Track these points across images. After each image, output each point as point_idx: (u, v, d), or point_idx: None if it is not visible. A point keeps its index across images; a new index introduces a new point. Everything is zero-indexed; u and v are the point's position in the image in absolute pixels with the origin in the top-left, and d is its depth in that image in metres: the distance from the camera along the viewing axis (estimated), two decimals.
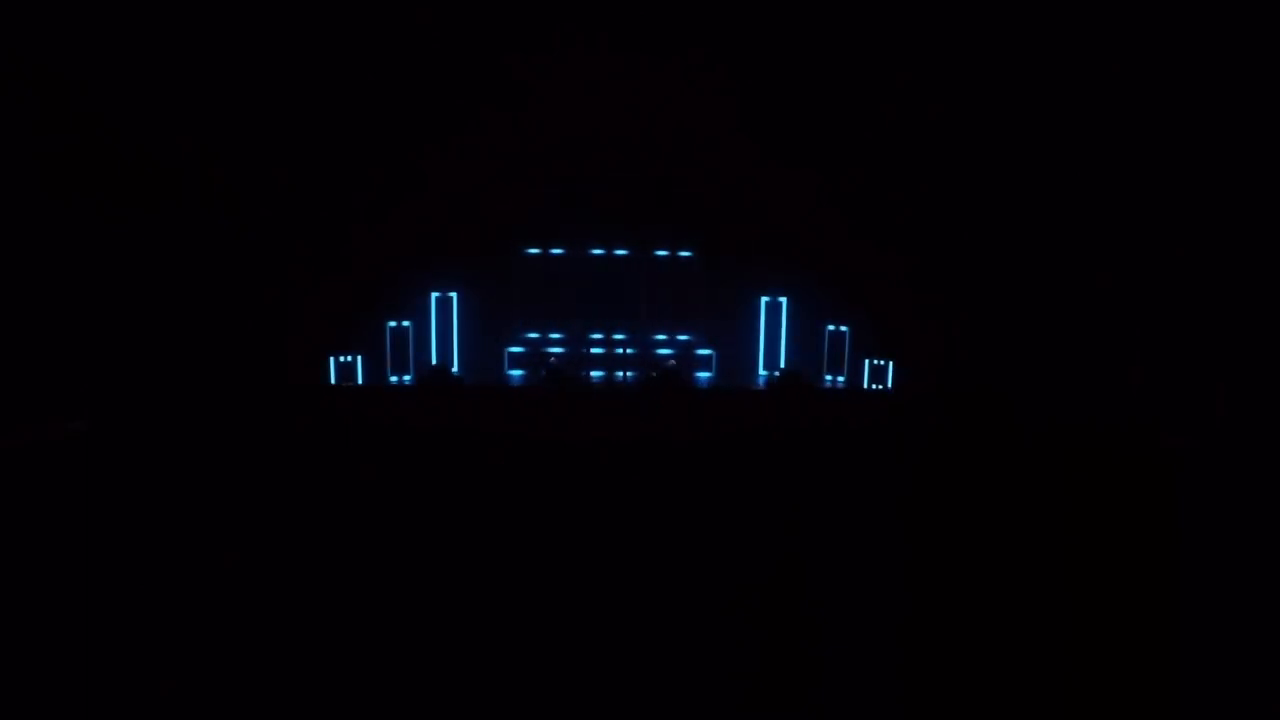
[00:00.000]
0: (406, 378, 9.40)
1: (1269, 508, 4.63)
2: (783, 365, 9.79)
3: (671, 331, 10.10)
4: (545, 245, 10.02)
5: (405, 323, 9.44)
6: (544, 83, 8.97)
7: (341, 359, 9.08)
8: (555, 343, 9.94)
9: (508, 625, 3.70)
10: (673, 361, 9.67)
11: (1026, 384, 8.23)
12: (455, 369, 9.68)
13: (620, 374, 9.77)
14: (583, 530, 4.91)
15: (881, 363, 9.34)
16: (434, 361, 9.61)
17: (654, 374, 9.26)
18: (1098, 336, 8.16)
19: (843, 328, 9.66)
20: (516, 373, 9.86)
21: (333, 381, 8.99)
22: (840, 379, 9.67)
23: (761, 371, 9.96)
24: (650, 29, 8.36)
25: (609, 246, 10.05)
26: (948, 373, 8.88)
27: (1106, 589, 2.39)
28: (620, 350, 9.93)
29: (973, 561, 2.55)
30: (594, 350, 9.90)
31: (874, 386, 9.34)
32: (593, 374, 9.68)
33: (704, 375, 9.93)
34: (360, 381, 9.13)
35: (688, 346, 10.04)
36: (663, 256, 10.08)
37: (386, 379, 9.30)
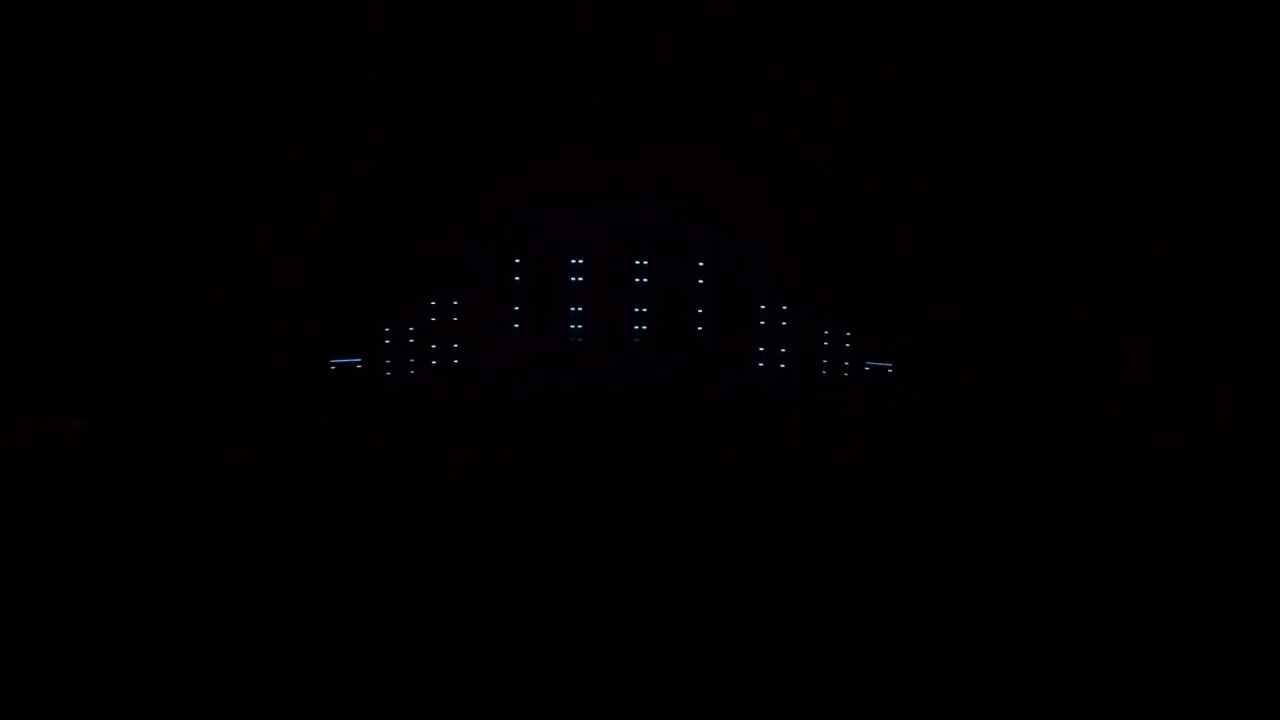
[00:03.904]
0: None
1: (1269, 508, 4.64)
2: (783, 365, 9.78)
3: (672, 328, 10.10)
4: (545, 244, 10.01)
5: (405, 323, 9.46)
6: (543, 80, 8.96)
7: (341, 359, 9.08)
8: (555, 341, 9.94)
9: (508, 625, 3.70)
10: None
11: (1026, 383, 8.23)
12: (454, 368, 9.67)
13: (619, 373, 9.77)
14: (583, 530, 4.91)
15: (881, 363, 9.34)
16: (433, 361, 9.61)
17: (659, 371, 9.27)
18: (1098, 336, 8.15)
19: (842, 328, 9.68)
20: (515, 372, 9.86)
21: (332, 381, 8.99)
22: (841, 379, 9.67)
23: (761, 368, 9.97)
24: (650, 25, 8.35)
25: (609, 244, 10.04)
26: (948, 373, 8.88)
27: (1106, 589, 2.39)
28: (620, 349, 9.92)
29: (972, 561, 2.55)
30: (593, 350, 9.89)
31: (873, 386, 9.33)
32: (592, 373, 9.67)
33: (705, 374, 9.93)
34: (360, 381, 9.13)
35: (689, 343, 10.04)
36: (663, 254, 10.08)
37: (386, 379, 9.30)
